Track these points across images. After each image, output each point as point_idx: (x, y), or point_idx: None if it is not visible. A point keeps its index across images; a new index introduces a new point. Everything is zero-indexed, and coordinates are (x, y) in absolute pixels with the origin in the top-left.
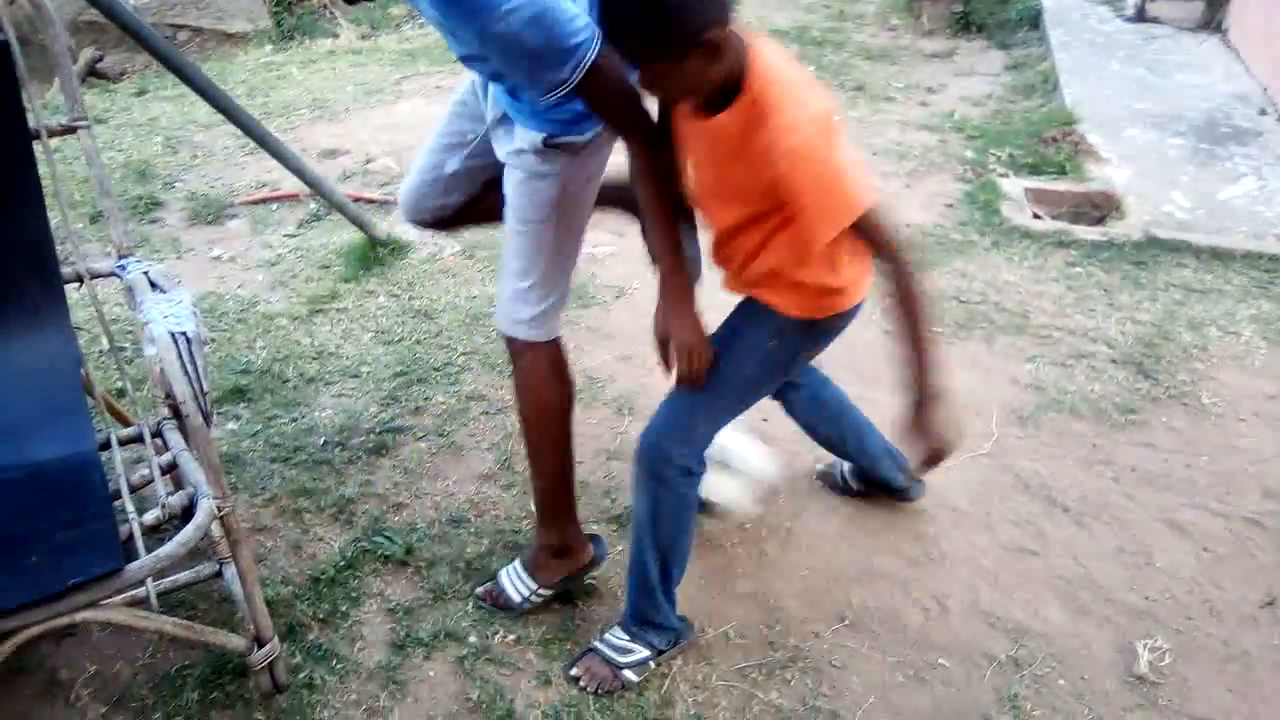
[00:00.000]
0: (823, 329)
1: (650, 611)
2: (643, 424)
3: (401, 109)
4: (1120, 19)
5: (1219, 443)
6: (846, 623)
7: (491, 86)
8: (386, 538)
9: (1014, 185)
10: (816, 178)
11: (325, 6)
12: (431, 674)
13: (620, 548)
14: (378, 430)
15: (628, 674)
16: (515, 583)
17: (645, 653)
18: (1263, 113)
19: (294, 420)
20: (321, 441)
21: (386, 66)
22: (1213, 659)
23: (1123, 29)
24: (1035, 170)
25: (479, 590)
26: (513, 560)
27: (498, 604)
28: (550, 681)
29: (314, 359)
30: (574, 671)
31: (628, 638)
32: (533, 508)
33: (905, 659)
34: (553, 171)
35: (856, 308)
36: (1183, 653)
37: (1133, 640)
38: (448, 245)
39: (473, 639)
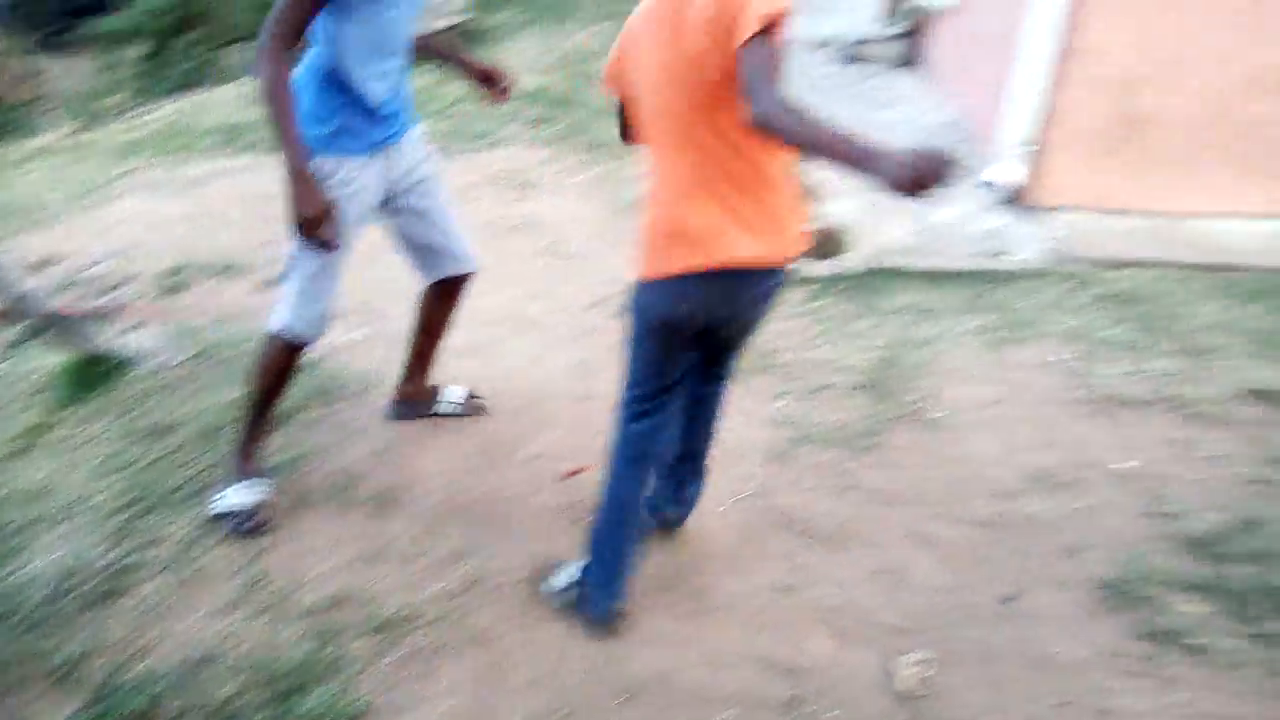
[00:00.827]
0: (671, 294)
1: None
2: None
3: (124, 206)
4: (837, 62)
5: (950, 453)
6: (628, 697)
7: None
8: (125, 694)
9: None
10: None
11: (36, 100)
12: None
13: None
14: (109, 572)
15: None
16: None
17: None
18: (963, 141)
19: (7, 576)
20: (40, 596)
21: (107, 159)
22: (970, 662)
23: (840, 70)
24: None
25: None
26: None
27: None
28: None
29: (29, 501)
30: None
31: None
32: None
33: (692, 719)
34: None
35: (729, 274)
36: (944, 661)
37: (895, 658)
38: (179, 353)
39: None
